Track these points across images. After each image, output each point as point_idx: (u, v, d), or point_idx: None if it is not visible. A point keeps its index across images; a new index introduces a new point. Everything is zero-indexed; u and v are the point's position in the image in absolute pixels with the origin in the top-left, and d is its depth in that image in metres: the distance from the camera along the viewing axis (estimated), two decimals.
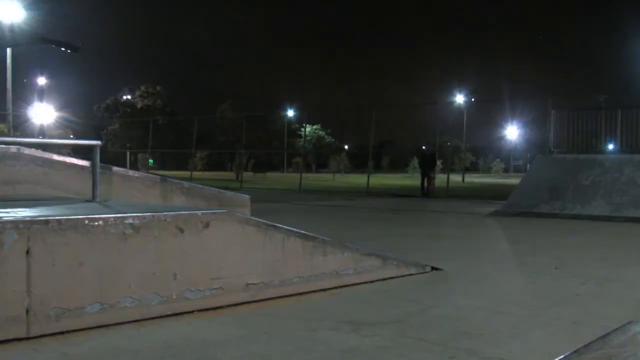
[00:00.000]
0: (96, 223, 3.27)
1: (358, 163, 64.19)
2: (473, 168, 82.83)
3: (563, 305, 4.06)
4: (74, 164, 6.96)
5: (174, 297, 3.56)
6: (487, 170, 78.95)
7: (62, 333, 3.10)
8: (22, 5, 22.46)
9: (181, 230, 3.60)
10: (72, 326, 3.15)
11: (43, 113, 36.79)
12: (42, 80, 39.20)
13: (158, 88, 73.89)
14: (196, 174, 36.01)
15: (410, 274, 5.02)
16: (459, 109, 42.97)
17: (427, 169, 19.71)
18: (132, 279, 3.39)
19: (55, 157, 7.11)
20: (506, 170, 75.64)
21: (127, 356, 2.86)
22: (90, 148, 5.07)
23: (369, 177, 22.09)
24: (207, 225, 3.72)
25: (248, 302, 3.88)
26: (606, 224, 10.38)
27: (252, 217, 4.28)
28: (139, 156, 56.31)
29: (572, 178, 12.22)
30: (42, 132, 35.17)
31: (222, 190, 8.37)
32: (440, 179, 22.83)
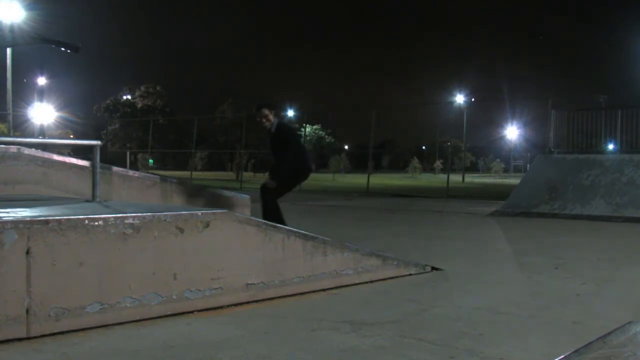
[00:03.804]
0: (96, 223, 3.27)
1: (358, 163, 64.22)
2: (473, 168, 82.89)
3: (563, 305, 4.06)
4: (74, 164, 6.95)
5: (174, 297, 3.56)
6: (487, 170, 79.00)
7: (62, 333, 3.10)
8: (22, 5, 22.47)
9: (181, 230, 3.60)
10: (72, 326, 3.15)
11: (43, 113, 36.81)
12: (42, 80, 39.22)
13: (158, 88, 73.96)
14: (196, 174, 36.02)
15: (410, 274, 5.02)
16: (459, 109, 42.97)
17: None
18: (132, 279, 3.39)
19: (55, 157, 7.11)
20: (506, 170, 75.70)
21: (127, 356, 2.86)
22: (90, 148, 5.06)
23: (369, 177, 22.10)
24: (207, 225, 3.72)
25: (248, 302, 3.88)
26: (606, 224, 10.38)
27: (252, 217, 4.28)
28: (139, 156, 56.31)
29: (572, 178, 12.21)
30: (42, 132, 35.18)
31: (222, 190, 8.37)
32: (440, 179, 22.70)
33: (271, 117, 6.89)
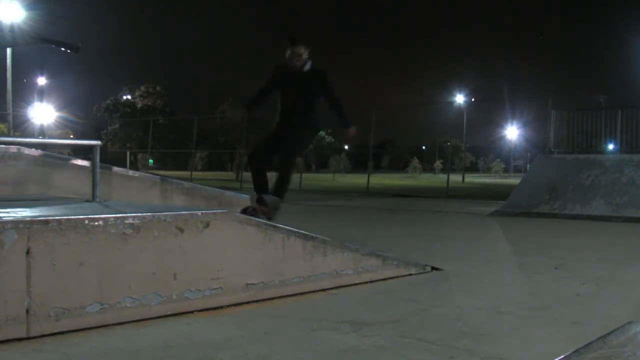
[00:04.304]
0: (96, 223, 3.27)
1: (358, 163, 64.20)
2: (473, 168, 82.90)
3: (563, 305, 4.06)
4: (74, 164, 6.95)
5: (174, 297, 3.56)
6: (487, 170, 79.01)
7: (62, 333, 3.10)
8: (22, 5, 22.48)
9: (181, 230, 3.60)
10: (72, 326, 3.15)
11: (43, 113, 36.81)
12: (42, 80, 39.21)
13: (158, 88, 74.00)
14: (196, 174, 36.02)
15: (410, 274, 5.02)
16: (459, 109, 42.97)
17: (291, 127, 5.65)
18: (132, 279, 3.39)
19: (56, 157, 7.11)
20: (506, 170, 75.71)
21: (127, 356, 2.86)
22: (90, 148, 5.07)
23: (369, 177, 22.10)
24: (207, 225, 3.72)
25: (248, 302, 3.88)
26: (606, 224, 10.38)
27: (252, 217, 4.28)
28: (139, 156, 56.30)
29: (572, 178, 12.21)
30: (42, 132, 35.17)
31: (222, 190, 8.36)
32: (440, 179, 22.59)
33: (305, 57, 5.60)
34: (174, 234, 3.57)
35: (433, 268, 5.27)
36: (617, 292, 4.60)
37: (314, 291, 4.25)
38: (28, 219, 3.10)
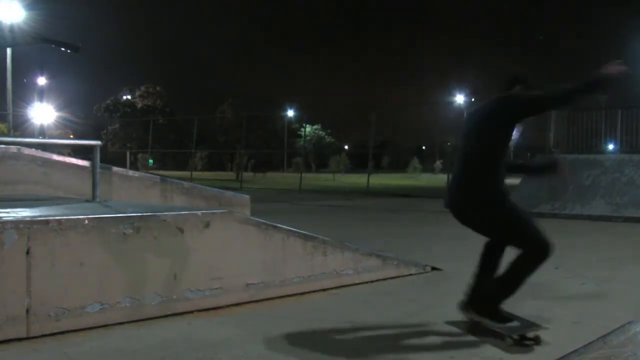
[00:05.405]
0: (96, 223, 3.27)
1: (358, 163, 64.16)
2: None
3: (563, 305, 4.06)
4: (74, 164, 6.96)
5: (174, 297, 3.56)
6: None
7: (62, 333, 3.10)
8: (22, 5, 22.47)
9: (181, 230, 3.60)
10: (72, 326, 3.15)
11: (43, 113, 36.79)
12: (42, 80, 39.17)
13: (158, 88, 74.00)
14: (196, 174, 36.00)
15: (410, 274, 5.03)
16: (459, 109, 42.95)
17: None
18: (132, 278, 3.39)
19: (55, 157, 7.11)
20: None
21: (127, 356, 2.86)
22: (90, 148, 5.07)
23: (369, 177, 22.09)
24: (207, 225, 3.72)
25: (248, 302, 3.88)
26: (606, 224, 10.38)
27: (252, 217, 4.28)
28: (139, 156, 56.26)
29: (572, 178, 12.21)
30: (42, 132, 35.15)
31: (222, 190, 8.37)
32: (440, 179, 22.55)
33: None
34: (174, 234, 3.57)
35: (433, 268, 5.27)
36: (617, 292, 4.60)
37: (314, 291, 4.25)
38: (28, 219, 3.11)
